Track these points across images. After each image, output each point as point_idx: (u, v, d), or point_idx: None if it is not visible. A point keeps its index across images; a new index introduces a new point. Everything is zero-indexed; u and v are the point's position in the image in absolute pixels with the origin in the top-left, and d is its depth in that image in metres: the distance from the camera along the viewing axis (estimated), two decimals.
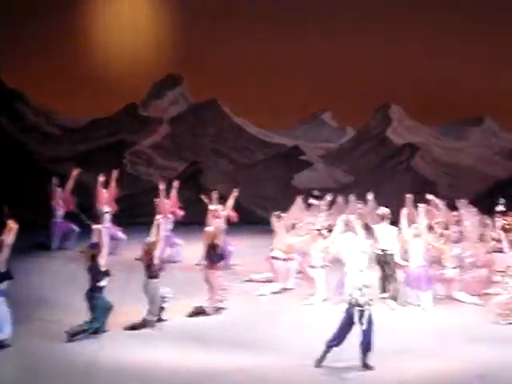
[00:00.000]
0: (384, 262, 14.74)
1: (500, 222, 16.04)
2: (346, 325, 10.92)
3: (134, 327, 12.74)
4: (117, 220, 18.69)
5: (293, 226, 15.79)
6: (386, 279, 14.71)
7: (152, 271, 13.01)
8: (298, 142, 30.58)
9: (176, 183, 18.50)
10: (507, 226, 16.08)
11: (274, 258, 15.44)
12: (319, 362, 11.00)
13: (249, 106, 29.13)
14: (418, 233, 14.52)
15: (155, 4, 29.67)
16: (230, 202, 17.64)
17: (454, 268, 14.75)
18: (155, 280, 13.02)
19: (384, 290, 14.56)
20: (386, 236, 14.95)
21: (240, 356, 11.56)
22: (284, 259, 15.44)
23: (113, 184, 18.71)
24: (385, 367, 10.88)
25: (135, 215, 22.19)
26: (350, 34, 28.98)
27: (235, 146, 30.77)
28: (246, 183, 28.05)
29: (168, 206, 17.98)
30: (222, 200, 17.79)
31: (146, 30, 29.33)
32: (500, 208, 17.09)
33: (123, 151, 29.31)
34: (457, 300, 14.64)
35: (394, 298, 14.58)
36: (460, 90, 27.76)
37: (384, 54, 28.62)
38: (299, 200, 17.40)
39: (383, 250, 14.84)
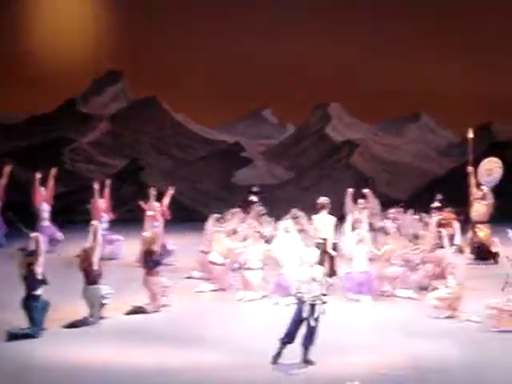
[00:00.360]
0: (324, 251, 14.90)
1: (435, 217, 16.24)
2: (297, 320, 10.92)
3: (73, 325, 12.65)
4: (56, 217, 18.50)
5: (234, 231, 15.75)
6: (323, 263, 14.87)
7: (91, 277, 12.95)
8: (238, 139, 30.63)
9: (108, 181, 18.36)
10: (443, 221, 16.35)
11: (212, 262, 15.45)
12: (275, 359, 10.91)
13: (189, 102, 29.11)
14: (361, 238, 14.70)
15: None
16: (166, 200, 17.72)
17: (401, 266, 14.95)
18: (94, 286, 12.96)
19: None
20: (325, 225, 15.17)
21: (184, 353, 11.49)
22: (222, 264, 15.44)
23: (51, 182, 18.51)
24: (326, 363, 10.95)
25: (74, 213, 22.01)
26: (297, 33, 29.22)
27: (176, 143, 30.68)
28: (187, 180, 28.03)
29: (103, 206, 17.91)
30: (161, 197, 17.81)
31: (85, 25, 29.05)
32: (435, 204, 17.33)
33: (62, 148, 29.01)
34: (396, 296, 14.84)
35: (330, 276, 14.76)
36: (396, 88, 28.15)
37: (324, 53, 28.87)
38: (239, 214, 16.92)
39: (323, 239, 15.07)
